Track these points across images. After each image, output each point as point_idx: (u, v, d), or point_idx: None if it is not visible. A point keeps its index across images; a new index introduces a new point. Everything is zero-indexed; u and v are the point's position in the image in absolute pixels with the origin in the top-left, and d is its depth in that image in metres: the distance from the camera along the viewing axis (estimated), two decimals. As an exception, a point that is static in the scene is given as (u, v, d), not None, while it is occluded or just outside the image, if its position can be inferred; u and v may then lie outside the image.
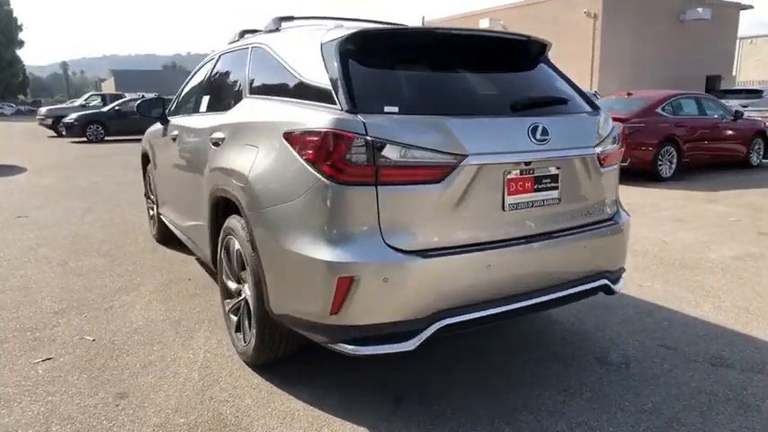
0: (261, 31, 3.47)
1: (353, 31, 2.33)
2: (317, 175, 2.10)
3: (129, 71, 74.78)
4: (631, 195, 7.64)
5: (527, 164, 2.30)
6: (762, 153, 10.75)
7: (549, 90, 2.61)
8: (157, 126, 4.65)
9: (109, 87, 63.28)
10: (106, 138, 18.25)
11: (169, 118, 4.34)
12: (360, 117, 2.06)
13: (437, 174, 2.11)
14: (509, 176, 2.26)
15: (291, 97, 2.49)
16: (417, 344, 2.10)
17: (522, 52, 2.70)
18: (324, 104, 2.21)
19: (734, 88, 20.06)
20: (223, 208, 2.98)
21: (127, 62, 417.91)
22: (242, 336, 2.82)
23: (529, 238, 2.33)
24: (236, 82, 3.18)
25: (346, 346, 2.13)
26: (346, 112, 2.10)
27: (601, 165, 2.58)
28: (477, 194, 2.19)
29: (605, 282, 2.62)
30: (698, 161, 9.60)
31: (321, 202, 2.09)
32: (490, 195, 2.24)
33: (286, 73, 2.60)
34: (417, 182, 2.10)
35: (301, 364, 2.81)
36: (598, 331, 3.29)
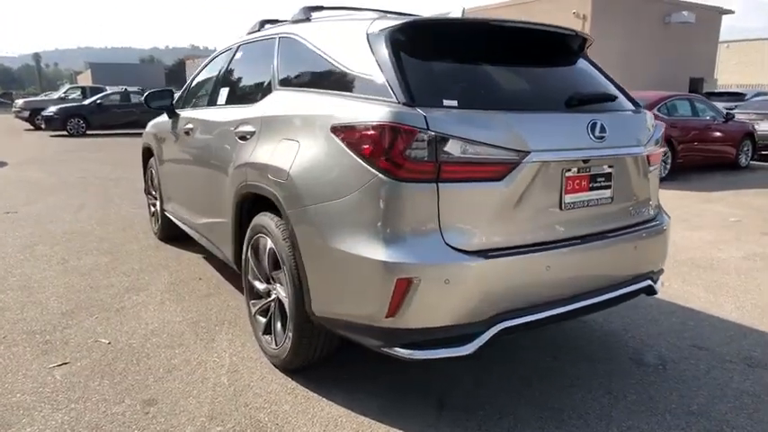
0: (284, 21, 3.36)
1: (405, 21, 2.23)
2: (373, 170, 1.99)
3: (107, 64, 73.09)
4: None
5: (585, 161, 2.23)
6: (750, 155, 10.95)
7: (597, 86, 2.55)
8: (163, 119, 4.49)
9: (85, 80, 61.68)
10: (88, 132, 17.80)
11: (177, 111, 4.19)
12: (420, 110, 1.97)
13: (499, 171, 2.02)
14: (567, 174, 2.19)
15: (334, 89, 2.38)
16: (476, 348, 2.02)
17: (567, 46, 2.63)
18: (377, 97, 2.10)
19: (716, 91, 20.41)
20: (249, 205, 2.86)
21: (102, 55, 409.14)
22: (272, 338, 2.71)
23: (584, 238, 2.26)
24: (262, 73, 3.05)
25: (401, 350, 2.03)
26: (403, 105, 2.00)
27: (648, 164, 2.53)
28: (536, 193, 2.12)
29: (650, 282, 2.58)
30: (691, 162, 9.71)
31: (377, 200, 1.98)
32: (549, 194, 2.16)
33: (326, 64, 2.48)
34: (478, 179, 2.01)
35: (333, 367, 2.71)
36: (627, 332, 3.25)
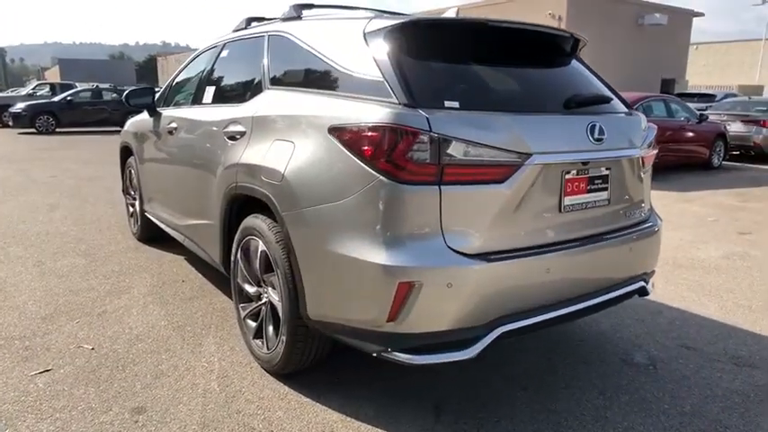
0: (272, 19, 3.29)
1: (402, 20, 2.19)
2: (374, 172, 1.95)
3: (75, 60, 71.32)
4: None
5: (584, 164, 2.23)
6: (722, 155, 11.21)
7: (593, 88, 2.55)
8: (143, 117, 4.37)
9: (53, 76, 60.10)
10: (57, 129, 17.32)
11: (159, 110, 4.08)
12: (422, 112, 1.93)
13: (501, 173, 2.00)
14: (567, 177, 2.19)
15: (330, 89, 2.33)
16: (477, 352, 2.00)
17: (562, 48, 2.63)
18: (375, 98, 2.06)
19: (688, 92, 20.87)
20: (239, 207, 2.80)
21: (71, 51, 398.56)
22: (263, 342, 2.65)
23: (583, 240, 2.26)
24: (251, 72, 2.98)
25: (401, 354, 2.00)
26: (404, 106, 1.97)
27: (643, 166, 2.55)
28: (537, 195, 2.11)
29: (643, 284, 2.60)
30: (665, 162, 9.86)
31: (378, 202, 1.95)
32: (549, 196, 2.16)
33: (321, 63, 2.43)
34: (481, 182, 1.99)
35: (326, 372, 2.67)
36: (616, 332, 3.28)
